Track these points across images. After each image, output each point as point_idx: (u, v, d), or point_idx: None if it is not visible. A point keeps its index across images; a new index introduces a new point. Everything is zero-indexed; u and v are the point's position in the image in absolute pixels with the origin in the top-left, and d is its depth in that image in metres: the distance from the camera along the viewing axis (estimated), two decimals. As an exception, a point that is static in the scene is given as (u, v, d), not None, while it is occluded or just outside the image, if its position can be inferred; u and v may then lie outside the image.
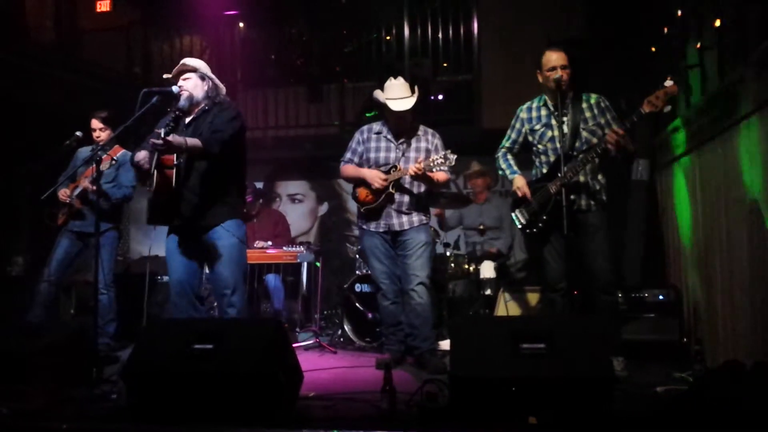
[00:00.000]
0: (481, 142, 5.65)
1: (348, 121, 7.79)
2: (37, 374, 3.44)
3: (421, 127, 4.55)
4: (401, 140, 4.47)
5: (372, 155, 4.50)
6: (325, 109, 7.91)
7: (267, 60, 8.45)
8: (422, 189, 4.46)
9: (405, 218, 4.43)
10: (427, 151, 4.41)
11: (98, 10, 8.09)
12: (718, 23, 3.97)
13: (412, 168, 4.21)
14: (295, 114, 7.92)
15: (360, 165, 4.55)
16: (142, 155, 3.72)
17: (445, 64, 7.71)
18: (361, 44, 7.95)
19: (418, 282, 4.33)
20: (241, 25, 8.38)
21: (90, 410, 3.19)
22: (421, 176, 4.25)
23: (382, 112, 4.55)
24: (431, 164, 4.20)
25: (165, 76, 3.94)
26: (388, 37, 7.85)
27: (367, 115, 7.26)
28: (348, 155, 4.61)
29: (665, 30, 5.04)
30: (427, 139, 4.50)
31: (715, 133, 3.98)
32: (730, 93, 3.74)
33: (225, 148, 3.73)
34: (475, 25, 7.31)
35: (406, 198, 4.42)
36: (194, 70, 3.88)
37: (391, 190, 4.37)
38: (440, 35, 7.51)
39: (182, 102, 3.81)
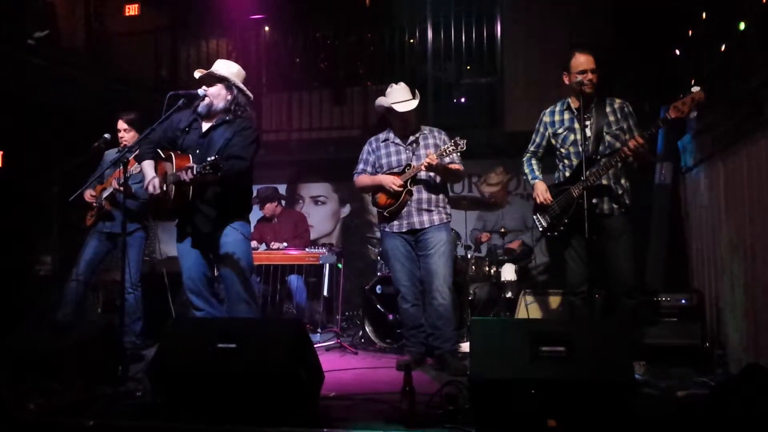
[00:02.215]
0: (504, 144, 5.67)
1: (371, 124, 7.82)
2: (64, 371, 3.51)
3: (426, 127, 4.65)
4: (409, 141, 4.56)
5: (384, 161, 4.59)
6: (349, 112, 7.97)
7: (292, 63, 8.53)
8: (439, 181, 4.50)
9: (426, 216, 4.46)
10: (436, 147, 4.47)
11: (126, 14, 8.22)
12: (742, 26, 3.95)
13: (427, 159, 4.26)
14: (318, 116, 7.99)
15: (374, 173, 4.63)
16: (152, 186, 3.78)
17: (468, 67, 7.72)
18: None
19: (440, 282, 4.35)
20: (267, 28, 8.47)
21: (115, 407, 3.25)
22: (436, 167, 4.31)
23: (386, 120, 4.64)
24: (444, 152, 4.28)
25: (196, 73, 3.99)
26: (411, 40, 7.88)
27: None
28: (360, 166, 4.70)
29: (689, 33, 5.00)
30: (434, 136, 4.58)
31: (740, 137, 3.96)
32: (755, 96, 3.71)
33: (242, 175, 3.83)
34: (499, 27, 7.31)
35: (425, 194, 4.47)
36: (222, 79, 3.92)
37: (410, 186, 4.44)
38: (464, 38, 7.52)
39: (201, 108, 3.88)
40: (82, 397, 3.31)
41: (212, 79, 3.92)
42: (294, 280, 6.19)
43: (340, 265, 6.20)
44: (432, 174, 4.46)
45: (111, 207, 4.88)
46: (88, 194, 4.87)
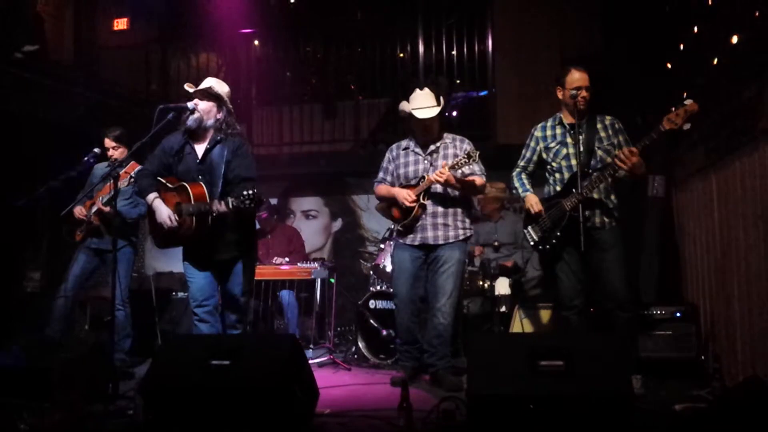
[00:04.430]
0: (496, 157, 5.65)
1: (362, 137, 7.82)
2: (54, 389, 3.45)
3: (449, 135, 4.52)
4: (429, 151, 4.46)
5: (402, 170, 4.50)
6: (340, 126, 7.95)
7: (282, 77, 8.52)
8: (457, 194, 4.38)
9: (441, 232, 4.35)
10: (455, 157, 4.30)
11: (115, 28, 8.19)
12: (735, 39, 3.97)
13: (435, 174, 4.15)
14: (309, 131, 7.97)
15: (392, 183, 4.55)
16: (169, 219, 3.75)
17: (458, 81, 7.73)
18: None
19: (444, 301, 4.27)
20: (257, 43, 8.46)
21: (107, 426, 3.21)
22: (446, 182, 4.16)
23: (409, 126, 4.54)
24: (456, 165, 4.15)
25: (186, 86, 3.95)
26: (402, 54, 7.90)
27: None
28: (380, 175, 4.63)
29: (681, 46, 5.03)
30: (455, 146, 4.45)
31: (733, 149, 3.97)
32: (747, 108, 3.73)
33: None
34: (490, 41, 7.33)
35: (440, 208, 4.36)
36: (216, 97, 3.90)
37: (423, 200, 4.33)
38: (455, 52, 7.54)
39: (191, 122, 3.85)
40: (72, 416, 3.26)
41: (205, 96, 3.89)
42: (286, 295, 6.13)
43: (332, 280, 6.16)
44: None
45: (99, 222, 4.82)
46: (78, 210, 4.81)
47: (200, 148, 3.91)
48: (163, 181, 3.90)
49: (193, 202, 3.71)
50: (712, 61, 4.36)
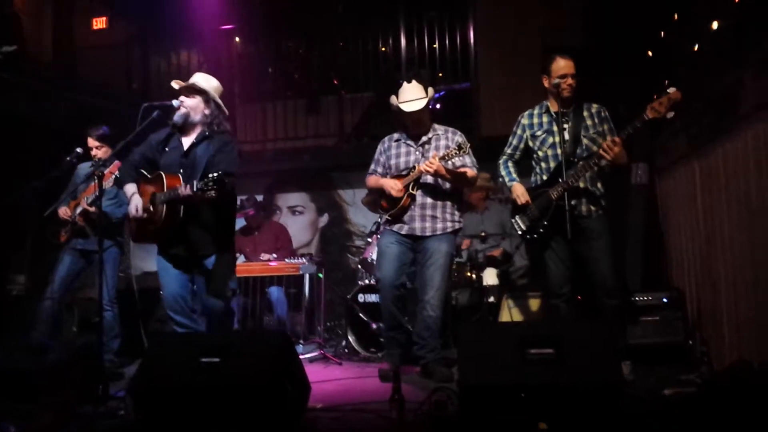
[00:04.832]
0: (480, 150, 5.67)
1: (346, 132, 7.81)
2: (44, 392, 3.43)
3: (441, 127, 4.51)
4: (421, 142, 4.45)
5: (393, 162, 4.50)
6: (324, 121, 7.95)
7: (264, 73, 8.49)
8: (447, 188, 4.38)
9: (429, 223, 4.34)
10: (447, 149, 4.30)
11: (95, 27, 8.11)
12: (715, 26, 4.00)
13: (425, 164, 4.14)
14: (293, 126, 7.96)
15: (384, 174, 4.54)
16: (135, 208, 3.74)
17: (440, 74, 7.74)
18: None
19: (433, 294, 4.27)
20: (238, 39, 8.41)
21: (97, 427, 3.18)
22: (436, 172, 4.15)
23: (400, 119, 4.52)
24: (446, 156, 4.15)
25: (174, 83, 3.92)
26: (384, 48, 7.89)
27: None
28: (372, 166, 4.63)
29: (661, 34, 5.06)
30: (447, 137, 4.44)
31: (716, 135, 4.00)
32: (728, 95, 3.76)
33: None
34: (472, 33, 7.34)
35: (429, 200, 4.35)
36: (201, 92, 3.88)
37: (411, 191, 4.32)
38: (437, 45, 7.54)
39: (177, 117, 3.83)
40: (62, 419, 3.23)
41: (191, 92, 3.87)
42: (275, 291, 6.12)
43: (320, 275, 6.15)
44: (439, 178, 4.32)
45: (84, 223, 4.78)
46: (63, 211, 4.76)
47: (187, 142, 3.89)
48: (144, 173, 3.88)
49: (166, 190, 3.70)
50: (692, 48, 4.39)
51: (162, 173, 3.78)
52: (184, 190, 3.56)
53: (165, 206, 3.67)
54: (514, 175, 4.25)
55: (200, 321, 3.99)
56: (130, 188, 3.85)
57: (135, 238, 4.01)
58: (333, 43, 8.24)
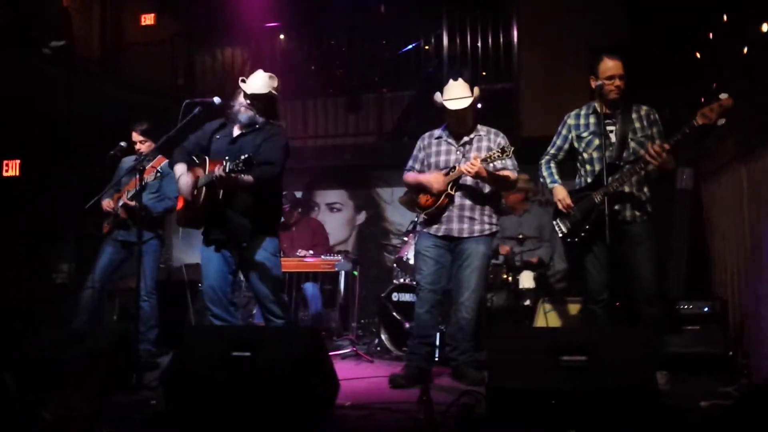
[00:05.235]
0: (520, 150, 5.60)
1: (386, 130, 7.80)
2: (79, 380, 3.50)
3: (484, 128, 4.42)
4: (462, 142, 4.36)
5: (432, 159, 4.41)
6: (364, 119, 7.96)
7: (307, 71, 8.54)
8: (486, 191, 4.31)
9: (466, 225, 4.26)
10: (489, 150, 4.22)
11: (142, 23, 8.26)
12: (765, 28, 3.87)
13: (467, 165, 4.06)
14: (334, 123, 7.99)
15: (421, 171, 4.45)
16: (185, 185, 3.83)
17: (483, 73, 7.67)
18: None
19: (468, 296, 4.20)
20: (282, 36, 8.49)
21: (130, 416, 3.24)
22: (477, 174, 4.08)
23: (443, 117, 4.45)
24: (488, 158, 4.07)
25: (247, 88, 3.94)
26: (426, 47, 7.85)
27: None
28: (410, 163, 4.55)
29: (710, 36, 4.93)
30: (489, 138, 4.36)
31: (763, 141, 3.88)
32: (778, 99, 3.64)
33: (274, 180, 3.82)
34: (515, 32, 7.25)
35: (468, 201, 4.26)
36: (268, 97, 3.94)
37: (450, 191, 4.24)
38: (479, 44, 7.48)
39: (244, 118, 3.91)
40: (96, 406, 3.30)
41: (255, 98, 3.93)
42: (309, 287, 6.16)
43: (355, 273, 6.16)
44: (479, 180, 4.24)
45: (126, 215, 4.88)
46: (106, 203, 4.88)
47: (236, 131, 3.98)
48: (195, 159, 3.99)
49: (206, 173, 3.78)
50: (742, 50, 4.26)
51: (206, 158, 3.88)
52: (219, 171, 3.60)
53: (205, 189, 3.75)
54: (557, 177, 4.15)
55: (237, 314, 4.05)
56: (180, 168, 3.95)
57: (179, 221, 4.09)
58: (375, 41, 8.24)
